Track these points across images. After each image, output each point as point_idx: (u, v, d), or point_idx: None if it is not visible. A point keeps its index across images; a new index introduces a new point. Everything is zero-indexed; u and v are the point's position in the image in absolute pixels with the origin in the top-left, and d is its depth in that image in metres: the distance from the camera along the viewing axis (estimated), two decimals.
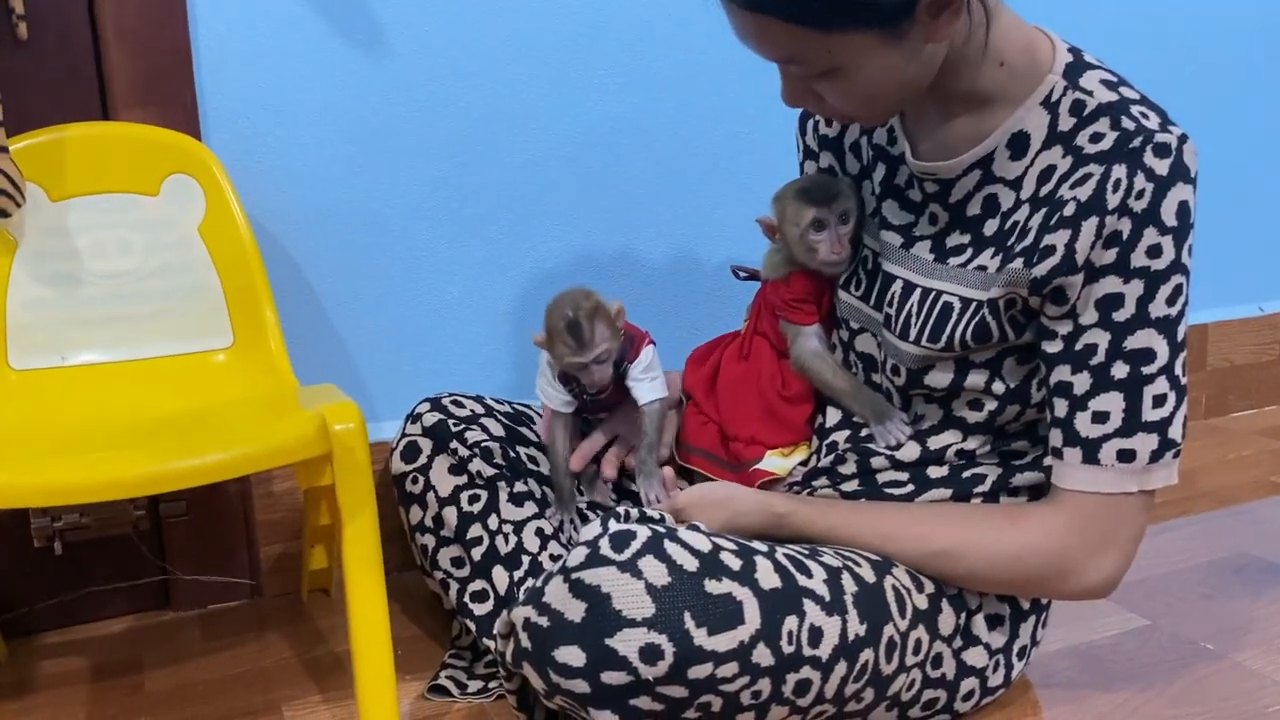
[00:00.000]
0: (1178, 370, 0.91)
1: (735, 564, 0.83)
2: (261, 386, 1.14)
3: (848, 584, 0.90)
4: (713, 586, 0.81)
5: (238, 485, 1.33)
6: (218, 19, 1.25)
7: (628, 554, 0.80)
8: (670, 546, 0.81)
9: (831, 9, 0.82)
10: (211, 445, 0.91)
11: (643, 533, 0.81)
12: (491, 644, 1.11)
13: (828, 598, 0.87)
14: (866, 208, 1.10)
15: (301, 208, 1.32)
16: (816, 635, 0.85)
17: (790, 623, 0.83)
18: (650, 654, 0.78)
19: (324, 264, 1.35)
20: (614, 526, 0.82)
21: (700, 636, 0.78)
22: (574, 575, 0.79)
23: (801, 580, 0.87)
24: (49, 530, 1.24)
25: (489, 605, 1.11)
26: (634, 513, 0.89)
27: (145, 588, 1.34)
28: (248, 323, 1.17)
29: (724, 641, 0.79)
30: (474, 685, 1.13)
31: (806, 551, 0.91)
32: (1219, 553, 1.44)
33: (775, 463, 1.11)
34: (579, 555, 0.80)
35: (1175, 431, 0.92)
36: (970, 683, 1.00)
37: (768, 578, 0.84)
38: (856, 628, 0.88)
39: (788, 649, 0.83)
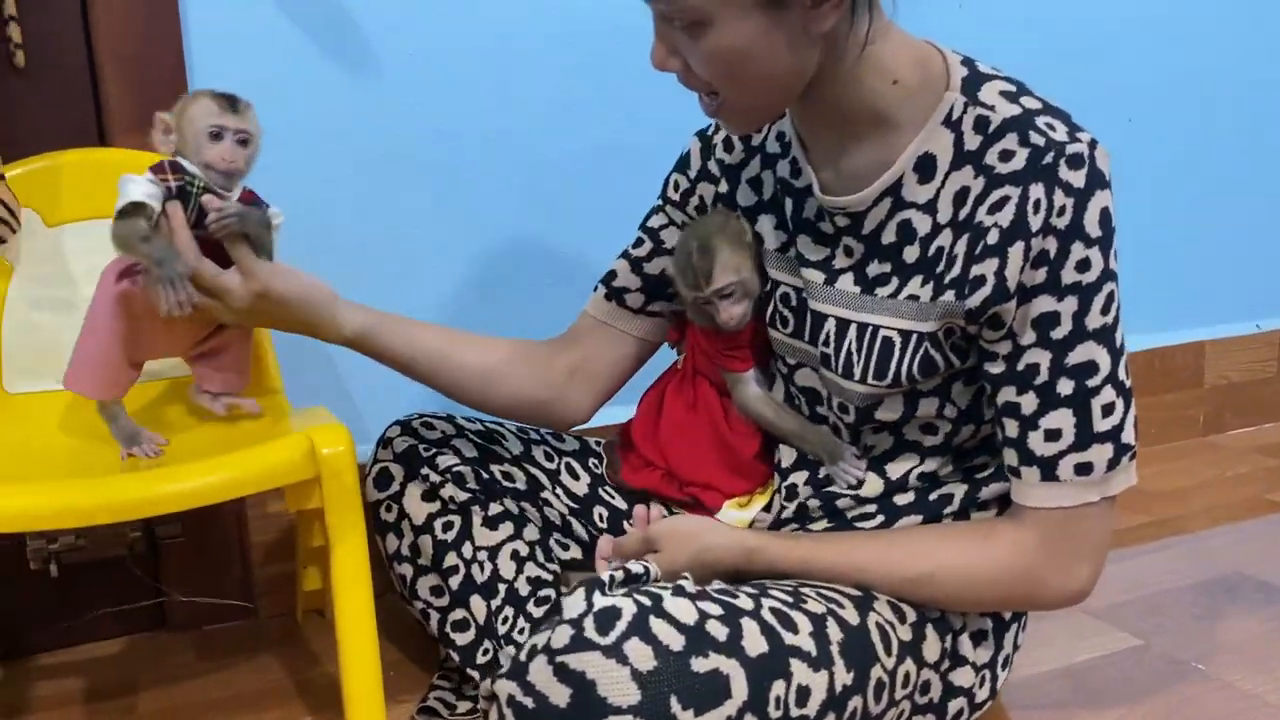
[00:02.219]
0: (1121, 376, 0.91)
1: (721, 634, 0.81)
2: None
3: (833, 632, 0.88)
4: (699, 664, 0.79)
5: (232, 507, 1.34)
6: (212, 46, 1.27)
7: (613, 637, 0.77)
8: (656, 625, 0.78)
9: None
10: (201, 469, 0.92)
11: (628, 610, 0.79)
12: (475, 674, 1.11)
13: (814, 653, 0.86)
14: (777, 243, 1.05)
15: (294, 232, 1.33)
16: (804, 695, 0.84)
17: (778, 687, 0.82)
18: None
19: None
20: (599, 602, 0.79)
21: (687, 718, 0.77)
22: (558, 658, 0.77)
23: (788, 638, 0.85)
24: (45, 552, 1.25)
25: (470, 634, 1.11)
26: (619, 575, 0.86)
27: (140, 609, 1.35)
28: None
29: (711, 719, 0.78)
30: (463, 706, 1.14)
31: (791, 600, 0.90)
32: (1212, 572, 1.44)
33: (732, 515, 1.10)
34: (563, 635, 0.77)
35: (1128, 436, 0.92)
36: (958, 703, 1.00)
37: (754, 643, 0.82)
38: (844, 678, 0.87)
39: (775, 714, 0.81)
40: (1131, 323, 1.88)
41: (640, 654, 0.77)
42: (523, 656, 0.79)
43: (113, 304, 1.00)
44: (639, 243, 1.17)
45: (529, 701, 0.77)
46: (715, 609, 0.83)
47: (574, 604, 0.80)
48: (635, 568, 0.89)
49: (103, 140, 1.24)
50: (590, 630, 0.77)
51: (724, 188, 1.11)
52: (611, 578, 0.85)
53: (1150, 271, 1.90)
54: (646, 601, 0.80)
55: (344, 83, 1.34)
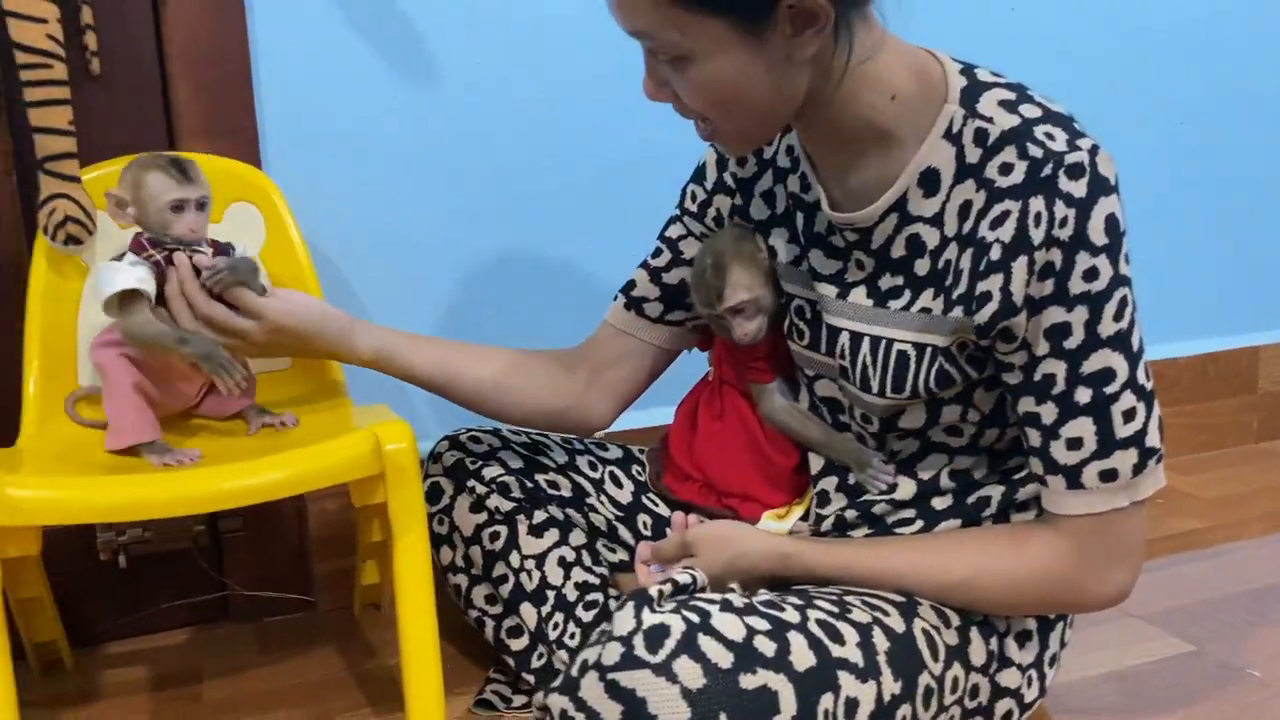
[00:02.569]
0: (1140, 380, 0.91)
1: (769, 649, 0.82)
2: (318, 407, 1.18)
3: (879, 642, 0.89)
4: (747, 681, 0.79)
5: (293, 502, 1.37)
6: (278, 54, 1.30)
7: (662, 655, 0.78)
8: (704, 642, 0.79)
9: None
10: (271, 464, 0.95)
11: (676, 627, 0.79)
12: (530, 678, 1.14)
13: (861, 664, 0.86)
14: (790, 256, 1.06)
15: (354, 234, 1.37)
16: (852, 707, 0.84)
17: (826, 701, 0.83)
18: None
19: (376, 288, 1.40)
20: (648, 619, 0.80)
21: None
22: (609, 675, 0.78)
23: (835, 650, 0.86)
24: (114, 544, 1.29)
25: (524, 640, 1.15)
26: (667, 588, 0.87)
27: (204, 600, 1.38)
28: None
29: None
30: (518, 700, 1.16)
31: (836, 610, 0.90)
32: (1267, 578, 1.43)
33: (771, 526, 1.10)
34: (614, 653, 0.78)
35: (1152, 439, 0.91)
36: (1006, 703, 1.00)
37: (802, 657, 0.83)
38: (892, 687, 0.87)
39: None
40: (1184, 327, 1.90)
41: (689, 672, 0.78)
42: (574, 672, 0.80)
43: (122, 369, 1.06)
44: (658, 253, 1.18)
45: (581, 717, 0.79)
46: (762, 624, 0.84)
47: (623, 620, 0.80)
48: (682, 578, 0.90)
49: (172, 144, 1.28)
50: (640, 648, 0.78)
51: (738, 200, 1.12)
52: (660, 591, 0.86)
53: (1204, 275, 1.89)
54: (695, 618, 0.81)
55: (398, 88, 1.37)
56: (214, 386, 1.11)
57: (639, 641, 0.79)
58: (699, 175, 1.16)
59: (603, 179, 1.49)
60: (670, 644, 0.78)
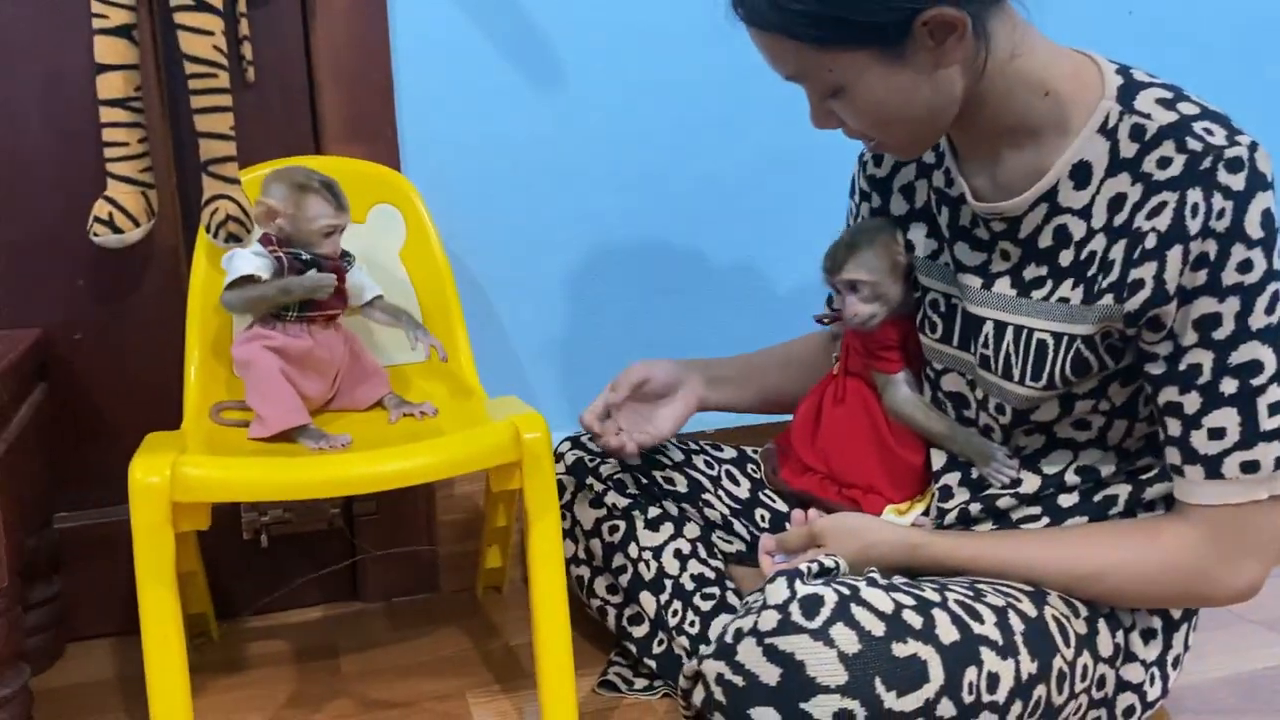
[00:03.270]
0: None
1: (917, 622, 0.86)
2: (454, 398, 1.24)
3: (1015, 624, 0.92)
4: (899, 649, 0.84)
5: (424, 488, 1.44)
6: (417, 62, 1.37)
7: (819, 621, 0.83)
8: (857, 611, 0.84)
9: (823, 26, 0.86)
10: (419, 449, 1.01)
11: (830, 597, 0.84)
12: (652, 663, 1.19)
13: (1001, 642, 0.89)
14: (929, 250, 1.10)
15: (490, 234, 1.43)
16: (994, 681, 0.87)
17: (970, 673, 0.86)
18: (843, 718, 0.81)
19: (511, 288, 1.46)
20: (801, 590, 0.85)
21: (890, 699, 0.82)
22: (767, 640, 0.83)
23: (976, 628, 0.89)
24: (256, 524, 1.37)
25: (645, 627, 1.20)
26: (814, 567, 0.92)
27: (338, 579, 1.46)
28: (442, 339, 1.25)
29: (911, 701, 0.83)
30: (640, 683, 1.21)
31: (971, 594, 0.93)
32: None
33: (892, 520, 1.12)
34: (770, 620, 0.83)
35: None
36: (1128, 698, 1.02)
37: (947, 631, 0.87)
38: (1029, 666, 0.90)
39: (968, 699, 0.86)
40: None
41: (846, 638, 0.82)
42: (729, 639, 0.85)
43: (267, 359, 1.14)
44: None
45: (739, 680, 0.83)
46: (908, 599, 0.88)
47: (777, 591, 0.85)
48: (827, 561, 0.94)
49: (318, 149, 1.35)
50: (797, 615, 0.83)
51: (876, 201, 1.16)
52: (808, 568, 0.90)
53: None
54: (845, 590, 0.85)
55: (532, 92, 1.42)
56: (348, 381, 1.21)
57: (795, 609, 0.83)
58: (851, 189, 1.23)
59: (737, 178, 1.52)
60: (825, 612, 0.83)
